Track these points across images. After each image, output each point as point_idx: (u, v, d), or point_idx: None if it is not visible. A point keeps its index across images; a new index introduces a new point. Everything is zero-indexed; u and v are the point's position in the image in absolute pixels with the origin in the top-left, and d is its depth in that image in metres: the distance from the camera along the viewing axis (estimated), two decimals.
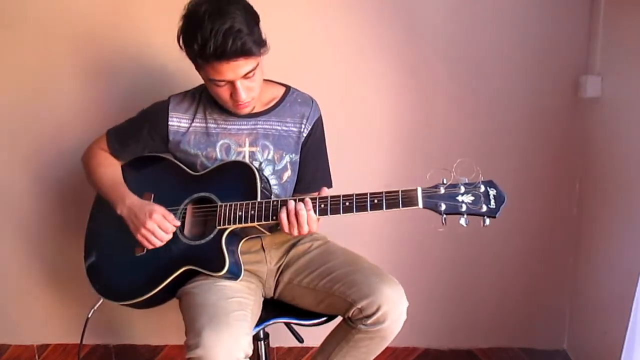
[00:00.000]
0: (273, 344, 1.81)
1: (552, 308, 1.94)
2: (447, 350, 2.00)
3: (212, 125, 1.45)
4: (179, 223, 1.37)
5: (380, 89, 1.84)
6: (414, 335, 1.99)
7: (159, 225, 1.33)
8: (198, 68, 1.34)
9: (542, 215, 1.89)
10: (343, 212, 1.25)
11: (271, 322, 1.45)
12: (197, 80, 1.44)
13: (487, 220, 1.20)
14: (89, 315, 1.57)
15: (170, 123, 1.45)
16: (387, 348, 1.99)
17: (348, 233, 1.60)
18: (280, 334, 1.58)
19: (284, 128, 1.47)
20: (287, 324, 1.52)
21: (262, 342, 1.57)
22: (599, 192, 1.76)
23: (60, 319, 2.06)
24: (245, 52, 1.27)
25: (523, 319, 1.96)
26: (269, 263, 1.50)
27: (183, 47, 1.32)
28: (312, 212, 1.26)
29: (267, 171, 1.46)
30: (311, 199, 1.28)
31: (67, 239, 2.00)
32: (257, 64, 1.32)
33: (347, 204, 1.25)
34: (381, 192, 1.23)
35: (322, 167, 1.55)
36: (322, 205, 1.27)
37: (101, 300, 1.48)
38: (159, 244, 1.35)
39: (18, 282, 2.04)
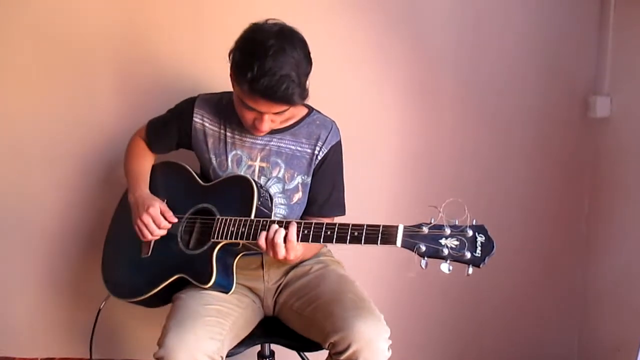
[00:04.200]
0: None
1: (561, 326, 1.91)
2: None
3: (229, 134, 1.46)
4: (175, 220, 1.39)
5: (390, 109, 1.85)
6: (420, 357, 1.98)
7: (153, 220, 1.36)
8: (236, 86, 1.31)
9: (551, 234, 1.87)
10: (323, 241, 1.20)
11: (258, 342, 1.45)
12: (209, 89, 1.47)
13: (470, 269, 1.07)
14: (101, 307, 1.63)
15: (195, 119, 1.48)
16: None
17: (356, 255, 1.58)
18: (286, 352, 1.57)
19: (298, 148, 1.45)
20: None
21: None
22: (608, 211, 1.75)
23: (65, 332, 2.06)
24: (289, 102, 1.28)
25: (532, 337, 1.93)
26: (266, 282, 1.48)
27: (233, 67, 1.30)
28: (292, 240, 1.22)
29: (275, 189, 1.45)
30: (297, 222, 1.23)
31: (73, 251, 2.00)
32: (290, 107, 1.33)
33: (329, 233, 1.19)
34: (363, 225, 1.15)
35: (336, 192, 1.49)
36: (306, 232, 1.22)
37: (109, 297, 1.53)
38: (149, 237, 1.38)
39: (23, 294, 2.04)
